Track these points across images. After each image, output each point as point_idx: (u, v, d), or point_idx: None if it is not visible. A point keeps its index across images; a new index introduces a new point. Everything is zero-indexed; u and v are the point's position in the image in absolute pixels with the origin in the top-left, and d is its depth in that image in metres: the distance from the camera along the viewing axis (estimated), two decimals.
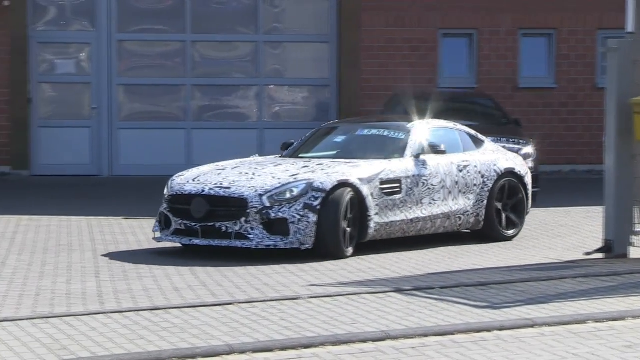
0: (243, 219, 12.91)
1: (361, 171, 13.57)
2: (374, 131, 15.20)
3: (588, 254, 12.76)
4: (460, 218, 14.43)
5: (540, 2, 23.15)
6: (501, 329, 9.34)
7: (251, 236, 12.88)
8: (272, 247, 12.92)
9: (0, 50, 22.58)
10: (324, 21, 23.76)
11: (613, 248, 12.97)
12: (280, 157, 15.03)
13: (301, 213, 12.91)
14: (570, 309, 9.81)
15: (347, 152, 14.69)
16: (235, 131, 23.44)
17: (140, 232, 15.23)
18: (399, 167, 13.95)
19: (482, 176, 14.61)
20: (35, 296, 10.98)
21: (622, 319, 9.66)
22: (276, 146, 22.68)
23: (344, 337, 9.08)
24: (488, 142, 15.45)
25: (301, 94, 24.29)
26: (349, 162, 13.92)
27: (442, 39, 23.42)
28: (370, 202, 13.35)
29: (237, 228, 12.93)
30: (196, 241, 13.14)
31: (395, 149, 14.48)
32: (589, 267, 11.99)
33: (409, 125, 14.91)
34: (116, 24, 23.22)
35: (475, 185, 14.53)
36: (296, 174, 13.46)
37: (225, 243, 13.03)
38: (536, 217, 16.38)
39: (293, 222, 12.86)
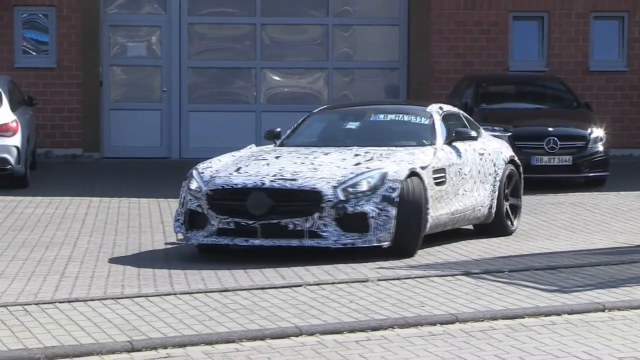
0: (317, 215, 11.41)
1: (419, 159, 12.32)
2: (391, 116, 13.70)
3: None
4: (479, 210, 13.37)
5: None
6: (571, 312, 9.32)
7: (325, 234, 11.41)
8: (349, 245, 11.51)
9: (71, 33, 22.73)
10: (394, 3, 23.68)
11: None
12: (279, 146, 13.36)
13: (380, 206, 11.52)
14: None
15: (367, 140, 13.14)
16: (304, 114, 23.32)
17: None
18: (443, 155, 12.75)
19: (494, 164, 13.62)
20: (106, 277, 11.09)
21: None
22: None
23: (413, 320, 9.11)
24: (482, 129, 14.37)
25: (371, 77, 24.19)
26: (394, 150, 12.62)
27: (512, 22, 23.27)
28: (429, 193, 12.09)
29: (308, 225, 11.43)
30: (256, 242, 11.56)
31: (424, 135, 13.24)
32: None
33: (428, 109, 13.65)
34: (186, 7, 23.27)
35: (489, 174, 13.52)
36: (358, 163, 12.06)
37: (294, 243, 11.52)
38: (607, 201, 16.26)
39: (373, 217, 11.48)
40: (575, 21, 23.13)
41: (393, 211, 11.50)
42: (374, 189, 11.55)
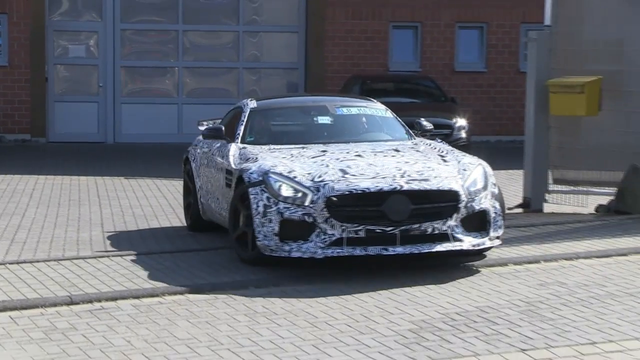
0: (455, 216, 8.96)
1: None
2: (354, 110, 11.01)
3: (510, 209, 12.85)
4: None
5: (474, 0, 23.18)
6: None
7: (459, 236, 8.97)
8: (481, 247, 9.21)
9: (21, 37, 22.51)
10: (294, 14, 23.76)
11: (530, 204, 13.10)
12: (245, 144, 10.33)
13: (492, 203, 9.33)
14: (493, 254, 9.82)
15: (346, 135, 10.61)
16: (218, 106, 23.23)
17: (139, 189, 15.20)
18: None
19: None
20: (50, 242, 11.00)
21: (537, 262, 9.71)
22: None
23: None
24: None
25: (274, 75, 24.22)
26: (416, 144, 10.43)
27: (392, 30, 23.43)
28: None
29: (444, 228, 8.92)
30: (398, 249, 8.74)
31: (398, 128, 10.89)
32: (510, 219, 12.05)
33: (377, 102, 11.42)
34: (119, 15, 23.21)
35: None
36: (431, 159, 9.61)
37: (436, 248, 8.89)
38: None
39: (493, 215, 9.29)
40: (444, 30, 23.35)
41: (499, 208, 9.40)
42: (485, 186, 9.29)
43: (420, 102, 20.10)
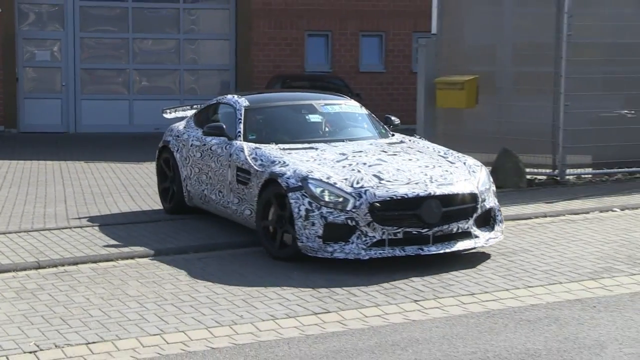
0: (475, 215, 8.38)
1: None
2: (336, 107, 10.09)
3: None
4: None
5: (374, 13, 23.26)
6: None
7: (476, 232, 8.37)
8: (493, 241, 8.54)
9: None
10: (226, 24, 23.60)
11: None
12: (245, 142, 9.29)
13: (495, 201, 8.76)
14: None
15: (338, 133, 9.73)
16: (164, 101, 23.13)
17: (96, 171, 14.99)
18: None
19: None
20: (20, 216, 10.81)
21: None
22: None
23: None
24: None
25: (210, 76, 24.06)
26: (415, 142, 9.67)
27: (307, 38, 23.38)
28: None
29: (466, 227, 8.32)
30: (432, 249, 8.09)
31: (375, 126, 10.04)
32: None
33: (351, 100, 10.58)
34: (79, 26, 22.86)
35: None
36: (442, 160, 8.89)
37: (462, 246, 8.26)
38: None
39: (497, 212, 8.71)
40: (350, 38, 23.38)
41: (498, 203, 8.82)
42: (489, 186, 8.72)
43: None
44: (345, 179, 8.16)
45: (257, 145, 9.13)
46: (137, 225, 10.16)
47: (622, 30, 13.45)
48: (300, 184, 8.11)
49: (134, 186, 13.23)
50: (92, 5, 23.09)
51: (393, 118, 10.33)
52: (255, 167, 8.77)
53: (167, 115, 11.70)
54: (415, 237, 8.03)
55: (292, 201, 8.08)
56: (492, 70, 13.71)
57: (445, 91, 13.20)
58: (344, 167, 8.42)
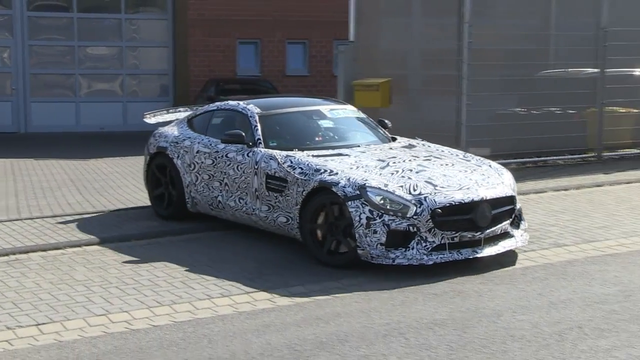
0: (513, 216, 7.96)
1: None
2: (341, 112, 9.35)
3: None
4: None
5: (299, 23, 23.25)
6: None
7: (513, 232, 7.95)
8: (524, 238, 8.04)
9: None
10: (164, 33, 23.37)
11: None
12: (266, 148, 8.51)
13: (519, 202, 8.22)
14: None
15: (349, 138, 8.99)
16: (108, 103, 23.04)
17: (45, 167, 14.72)
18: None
19: None
20: None
21: None
22: (136, 114, 22.51)
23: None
24: None
25: (150, 80, 23.79)
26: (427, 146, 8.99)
27: (238, 45, 23.26)
28: None
29: (506, 228, 7.89)
30: (485, 250, 7.55)
31: (376, 129, 9.38)
32: None
33: (348, 104, 9.86)
34: (27, 34, 22.40)
35: None
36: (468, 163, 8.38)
37: (507, 246, 7.76)
38: None
39: (521, 211, 8.23)
40: (277, 44, 23.32)
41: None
42: (515, 188, 8.21)
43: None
44: (401, 186, 7.54)
45: (288, 152, 8.30)
46: (84, 216, 10.02)
47: (517, 37, 13.74)
48: (358, 192, 7.42)
49: (81, 181, 13.03)
50: (40, 16, 22.66)
51: (386, 121, 9.72)
52: (294, 175, 7.95)
53: (150, 120, 10.66)
54: (469, 241, 7.52)
55: (351, 210, 7.39)
56: (404, 73, 13.86)
57: (362, 92, 13.28)
58: (391, 174, 7.76)
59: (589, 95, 13.80)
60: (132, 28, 23.50)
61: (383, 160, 8.11)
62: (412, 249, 7.32)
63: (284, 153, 8.31)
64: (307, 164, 7.96)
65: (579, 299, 6.50)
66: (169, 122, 10.38)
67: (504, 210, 7.79)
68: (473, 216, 7.50)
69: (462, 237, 7.47)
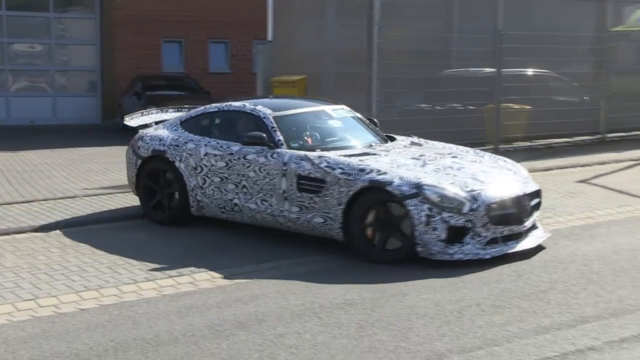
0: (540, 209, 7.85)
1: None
2: (343, 113, 8.86)
3: None
4: None
5: (221, 23, 23.07)
6: None
7: (537, 224, 7.86)
8: (544, 229, 8.00)
9: None
10: (92, 32, 22.88)
11: None
12: (294, 149, 7.94)
13: None
14: None
15: (358, 138, 8.51)
16: (38, 98, 22.45)
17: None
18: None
19: None
20: None
21: None
22: (65, 108, 21.99)
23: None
24: None
25: (79, 76, 23.25)
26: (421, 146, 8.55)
27: (164, 44, 22.94)
28: None
29: (535, 220, 7.76)
30: (526, 243, 7.42)
31: (374, 131, 8.88)
32: None
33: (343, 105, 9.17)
34: None
35: None
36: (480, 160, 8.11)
37: (539, 236, 7.67)
38: None
39: None
40: (200, 43, 23.12)
41: None
42: None
43: (185, 94, 19.78)
44: (452, 183, 7.24)
45: (321, 153, 7.75)
46: (13, 205, 9.72)
47: (422, 39, 13.91)
48: (415, 190, 7.06)
49: (11, 172, 12.63)
50: None
51: (376, 120, 9.39)
52: (335, 175, 7.44)
53: (132, 123, 9.55)
54: (514, 234, 7.34)
55: (410, 208, 7.02)
56: (319, 71, 13.89)
57: (280, 89, 13.26)
58: (434, 171, 7.45)
59: (487, 92, 14.08)
60: (60, 27, 22.92)
61: (417, 159, 7.77)
62: (468, 244, 7.06)
63: (316, 153, 7.74)
64: (348, 164, 7.46)
65: (477, 279, 6.62)
66: (148, 124, 9.47)
67: (537, 203, 7.65)
68: (517, 210, 7.32)
69: (509, 230, 7.26)
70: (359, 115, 9.08)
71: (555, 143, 14.50)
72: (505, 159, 8.36)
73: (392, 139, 8.74)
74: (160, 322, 5.64)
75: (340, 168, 7.45)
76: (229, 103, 8.82)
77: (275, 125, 8.09)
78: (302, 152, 7.80)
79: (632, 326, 5.43)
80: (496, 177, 7.57)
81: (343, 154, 7.74)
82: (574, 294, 6.17)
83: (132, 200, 9.83)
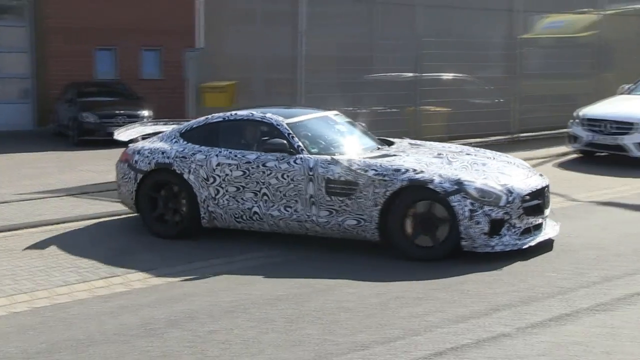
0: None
1: None
2: (342, 118, 8.73)
3: None
4: None
5: (153, 31, 22.74)
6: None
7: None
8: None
9: None
10: (24, 39, 22.25)
11: None
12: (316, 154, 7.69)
13: None
14: None
15: (363, 142, 8.30)
16: None
17: None
18: None
19: None
20: None
21: None
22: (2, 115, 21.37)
23: None
24: None
25: (14, 83, 22.58)
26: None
27: (97, 51, 22.50)
28: None
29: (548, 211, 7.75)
30: (548, 232, 7.54)
31: (368, 134, 8.72)
32: None
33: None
34: None
35: None
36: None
37: (552, 226, 7.74)
38: None
39: None
40: (133, 50, 22.75)
41: None
42: None
43: (118, 100, 19.46)
44: (485, 178, 7.23)
45: (350, 157, 7.58)
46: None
47: (347, 45, 14.01)
48: (457, 187, 7.03)
49: None
50: None
51: (363, 124, 9.10)
52: (369, 176, 7.27)
53: (122, 137, 8.98)
54: (538, 224, 7.40)
55: (454, 204, 6.98)
56: (249, 76, 13.82)
57: (210, 94, 13.15)
58: (464, 168, 7.43)
59: (408, 96, 14.26)
60: None
61: (439, 157, 7.70)
62: (505, 235, 7.05)
63: (345, 157, 7.54)
64: (380, 165, 7.31)
65: (401, 273, 6.69)
66: (137, 138, 8.93)
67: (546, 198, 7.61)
68: (542, 201, 7.39)
69: (536, 220, 7.32)
70: (349, 119, 8.86)
71: (470, 143, 14.78)
72: (508, 155, 8.41)
73: (390, 142, 8.53)
74: (93, 323, 5.53)
75: (373, 169, 7.29)
76: (234, 112, 8.39)
77: (291, 132, 7.81)
78: (328, 156, 7.57)
79: (541, 313, 5.57)
80: (516, 172, 7.64)
81: (368, 157, 7.59)
82: (489, 284, 6.29)
83: (65, 203, 9.62)
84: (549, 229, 7.56)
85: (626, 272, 6.59)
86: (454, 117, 14.59)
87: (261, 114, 8.11)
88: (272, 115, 8.06)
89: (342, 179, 7.38)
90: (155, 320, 5.56)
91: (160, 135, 8.64)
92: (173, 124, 9.30)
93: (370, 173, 7.28)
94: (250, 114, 8.20)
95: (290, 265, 7.03)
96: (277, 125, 7.89)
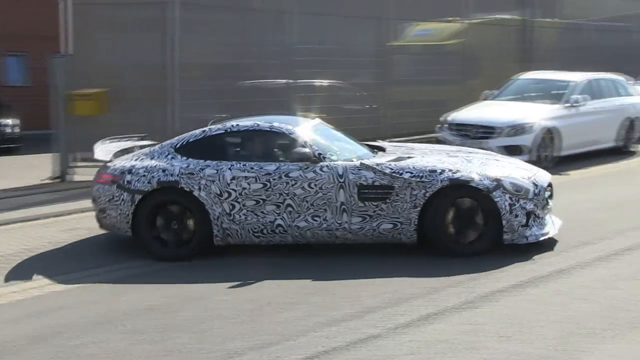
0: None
1: None
2: (327, 125, 8.57)
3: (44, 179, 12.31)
4: None
5: (19, 36, 21.82)
6: None
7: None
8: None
9: None
10: None
11: (64, 177, 12.66)
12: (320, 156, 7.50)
13: None
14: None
15: (359, 148, 8.14)
16: None
17: None
18: None
19: None
20: None
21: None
22: None
23: None
24: None
25: None
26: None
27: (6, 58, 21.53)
28: None
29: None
30: (556, 220, 7.88)
31: (358, 142, 8.52)
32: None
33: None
34: None
35: None
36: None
37: (556, 218, 7.99)
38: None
39: None
40: None
41: None
42: None
43: None
44: (509, 174, 7.46)
45: (376, 161, 7.48)
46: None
47: (221, 53, 13.94)
48: (496, 183, 7.25)
49: None
50: None
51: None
52: (405, 179, 7.25)
53: (101, 155, 8.18)
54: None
55: (497, 200, 7.18)
56: (121, 83, 13.49)
57: (80, 102, 12.75)
58: (484, 165, 7.61)
59: (283, 102, 14.33)
60: None
61: (455, 156, 7.84)
62: (533, 226, 7.34)
63: (375, 162, 7.45)
64: (414, 167, 7.34)
65: (270, 280, 6.71)
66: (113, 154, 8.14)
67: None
68: (551, 192, 7.73)
69: (550, 211, 7.68)
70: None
71: None
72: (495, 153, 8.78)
73: (379, 148, 8.42)
74: None
75: (408, 172, 7.30)
76: (236, 124, 7.86)
77: (308, 140, 7.59)
78: (357, 162, 7.46)
79: (409, 313, 5.73)
80: (526, 166, 8.04)
81: (390, 159, 7.55)
82: (361, 287, 6.41)
83: None
84: (556, 219, 7.87)
85: (492, 268, 6.85)
86: (327, 123, 14.76)
87: (268, 124, 7.75)
88: (277, 124, 7.75)
89: (377, 183, 7.31)
90: (18, 337, 5.34)
91: (146, 152, 7.85)
92: (145, 140, 8.86)
93: (406, 175, 7.30)
94: (256, 125, 7.78)
95: (164, 273, 6.92)
96: (290, 133, 7.65)
